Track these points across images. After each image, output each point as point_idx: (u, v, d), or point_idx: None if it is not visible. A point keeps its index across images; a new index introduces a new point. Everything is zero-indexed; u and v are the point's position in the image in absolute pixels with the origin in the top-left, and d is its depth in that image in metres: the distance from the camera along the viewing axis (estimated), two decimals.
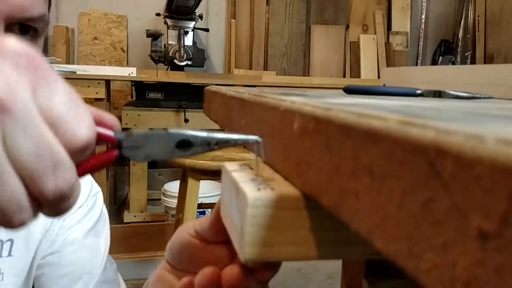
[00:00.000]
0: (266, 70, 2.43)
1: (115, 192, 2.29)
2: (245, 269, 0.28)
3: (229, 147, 0.29)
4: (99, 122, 0.24)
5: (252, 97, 0.36)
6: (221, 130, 0.29)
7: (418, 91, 0.46)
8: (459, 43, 2.27)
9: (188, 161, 1.29)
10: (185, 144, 0.27)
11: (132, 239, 1.80)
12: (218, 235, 0.33)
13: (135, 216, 1.98)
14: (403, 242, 0.14)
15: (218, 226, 0.32)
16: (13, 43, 0.20)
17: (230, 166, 0.30)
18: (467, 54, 2.15)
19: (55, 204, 0.21)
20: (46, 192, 0.20)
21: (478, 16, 2.17)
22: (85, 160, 0.24)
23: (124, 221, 1.98)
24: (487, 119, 0.18)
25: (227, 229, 0.30)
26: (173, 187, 1.92)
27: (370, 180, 0.16)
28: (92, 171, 0.24)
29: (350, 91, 0.48)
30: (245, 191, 0.24)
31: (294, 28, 2.46)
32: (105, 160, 0.25)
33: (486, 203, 0.10)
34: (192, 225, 0.35)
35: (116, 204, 2.27)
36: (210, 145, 0.27)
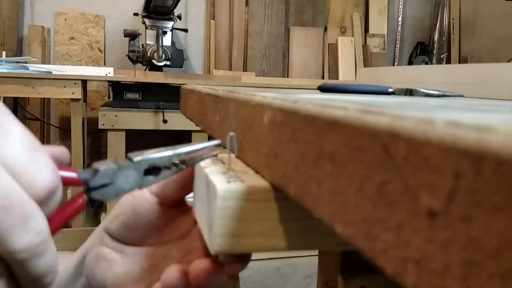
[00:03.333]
0: (246, 71, 2.43)
1: None
2: (214, 263, 0.27)
3: (197, 162, 0.28)
4: (57, 161, 0.22)
5: (226, 93, 0.36)
6: (184, 143, 0.28)
7: (390, 89, 0.47)
8: (435, 46, 2.33)
9: None
10: (153, 170, 0.26)
11: None
12: (183, 189, 0.31)
13: None
14: (360, 225, 0.14)
15: (185, 177, 0.30)
16: None
17: (202, 162, 0.30)
18: (442, 56, 2.21)
19: (27, 267, 0.19)
20: (17, 252, 0.18)
21: (453, 19, 2.23)
22: (52, 216, 0.21)
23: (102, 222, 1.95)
24: (444, 110, 0.19)
25: (198, 224, 0.30)
26: None
27: (331, 167, 0.16)
28: (63, 225, 0.22)
29: (324, 89, 0.49)
30: (214, 183, 0.24)
31: (273, 29, 2.48)
32: (74, 210, 0.23)
33: (434, 182, 0.11)
34: (146, 191, 0.32)
35: (93, 206, 2.22)
36: (177, 165, 0.27)
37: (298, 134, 0.20)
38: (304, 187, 0.19)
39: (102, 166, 0.24)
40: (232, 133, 0.28)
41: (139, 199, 0.31)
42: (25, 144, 0.19)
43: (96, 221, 2.02)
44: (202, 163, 0.30)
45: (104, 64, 2.39)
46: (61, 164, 0.22)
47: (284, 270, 1.77)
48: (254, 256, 0.32)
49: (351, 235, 0.15)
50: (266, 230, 0.24)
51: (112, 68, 1.89)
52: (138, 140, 1.69)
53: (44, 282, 0.19)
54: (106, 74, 1.86)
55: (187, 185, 0.32)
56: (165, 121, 1.81)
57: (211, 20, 2.42)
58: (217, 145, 0.28)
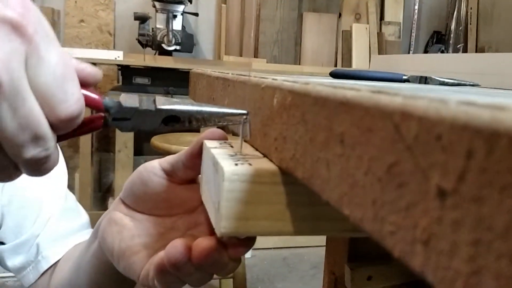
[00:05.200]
0: (257, 57, 2.41)
1: (99, 179, 2.27)
2: (217, 243, 0.27)
3: (217, 125, 0.28)
4: (84, 81, 0.24)
5: (235, 76, 0.35)
6: (210, 104, 0.28)
7: (404, 77, 0.46)
8: (451, 35, 2.28)
9: (174, 147, 1.29)
10: (172, 120, 0.26)
11: None
12: (191, 170, 0.32)
13: None
14: (368, 207, 0.14)
15: (193, 159, 0.31)
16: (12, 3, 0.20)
17: (210, 143, 0.30)
18: (459, 46, 2.16)
19: (32, 168, 0.22)
20: (23, 159, 0.21)
21: (471, 8, 2.18)
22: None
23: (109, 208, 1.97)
24: (458, 94, 0.18)
25: (205, 206, 0.30)
26: None
27: (341, 148, 0.16)
28: (75, 136, 0.25)
29: (336, 75, 0.48)
30: (222, 165, 0.24)
31: (286, 15, 2.45)
32: (89, 129, 0.25)
33: (445, 161, 0.11)
34: (157, 165, 0.32)
35: (101, 191, 2.25)
36: (198, 121, 0.27)
37: (308, 116, 0.19)
38: (312, 169, 0.19)
39: (127, 101, 0.25)
40: (246, 111, 0.28)
41: (149, 171, 0.32)
42: (56, 73, 0.21)
43: (103, 206, 2.05)
44: (209, 143, 0.30)
45: (114, 47, 2.39)
46: (88, 85, 0.24)
47: (290, 259, 1.78)
48: (260, 244, 0.32)
49: (359, 217, 0.15)
50: (273, 213, 0.24)
51: (121, 52, 1.89)
52: None
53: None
54: (116, 58, 1.86)
55: (195, 166, 0.32)
56: None
57: (222, 4, 2.40)
58: (242, 114, 0.28)
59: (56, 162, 0.23)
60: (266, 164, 0.24)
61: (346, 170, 0.16)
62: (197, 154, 0.31)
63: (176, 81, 1.80)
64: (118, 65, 1.94)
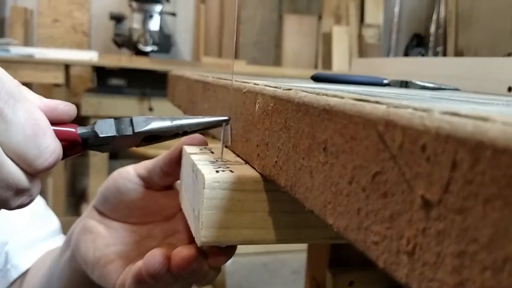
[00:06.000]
0: (236, 59, 2.40)
1: (73, 184, 2.22)
2: (197, 252, 0.27)
3: (198, 132, 0.28)
4: (59, 120, 0.24)
5: (216, 80, 0.35)
6: (189, 115, 0.28)
7: (385, 81, 0.47)
8: (431, 38, 2.32)
9: (152, 152, 1.27)
10: (152, 138, 0.26)
11: None
12: (169, 176, 0.31)
13: None
14: (353, 216, 0.14)
15: (171, 165, 0.31)
16: None
17: (189, 149, 0.29)
18: (438, 49, 2.20)
19: (19, 208, 0.24)
20: (11, 208, 0.23)
21: (450, 12, 2.22)
22: None
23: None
24: (441, 101, 0.18)
25: (185, 214, 0.30)
26: None
27: (324, 156, 0.16)
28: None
29: (318, 79, 0.48)
30: (202, 172, 0.23)
31: (266, 16, 2.45)
32: (70, 154, 0.25)
33: (429, 172, 0.10)
34: (132, 171, 0.32)
35: (75, 196, 2.20)
36: (178, 134, 0.27)
37: (291, 122, 0.19)
38: (296, 177, 0.19)
39: (103, 129, 0.25)
40: (227, 117, 0.27)
41: (124, 178, 0.31)
42: (27, 132, 0.22)
43: (77, 211, 2.00)
44: (189, 149, 0.29)
45: (89, 48, 2.34)
46: (64, 122, 0.24)
47: (272, 265, 1.78)
48: (242, 251, 0.32)
49: (343, 227, 0.15)
50: (255, 222, 0.24)
51: (96, 53, 1.85)
52: None
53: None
54: (90, 59, 1.82)
55: (173, 172, 0.31)
56: (150, 109, 1.79)
57: (201, 4, 2.39)
58: (222, 123, 0.28)
59: (38, 192, 0.24)
60: (248, 171, 0.24)
61: (330, 179, 0.15)
62: (176, 160, 0.31)
63: (153, 83, 1.78)
64: (93, 66, 1.90)
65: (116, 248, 0.31)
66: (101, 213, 0.32)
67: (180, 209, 0.33)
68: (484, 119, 0.09)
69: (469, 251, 0.09)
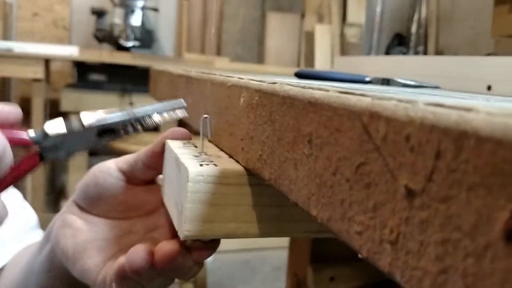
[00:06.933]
0: (219, 55, 2.39)
1: (52, 181, 2.18)
2: (181, 247, 0.26)
3: (160, 123, 0.28)
4: (5, 123, 0.23)
5: (200, 75, 0.35)
6: (142, 104, 0.27)
7: (367, 78, 0.47)
8: (412, 38, 2.35)
9: (134, 147, 1.25)
10: (106, 132, 0.26)
11: None
12: (152, 170, 0.31)
13: None
14: (336, 207, 0.14)
15: (154, 158, 0.30)
16: None
17: (173, 143, 0.29)
18: (419, 48, 2.24)
19: None
20: None
21: (431, 11, 2.25)
22: (6, 173, 0.23)
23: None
24: (423, 96, 0.19)
25: (167, 207, 0.30)
26: None
27: (308, 149, 0.16)
28: (15, 182, 0.24)
29: (301, 75, 0.48)
30: (186, 166, 0.23)
31: (249, 13, 2.45)
32: (28, 168, 0.24)
33: (413, 162, 0.11)
34: (113, 165, 0.31)
35: (54, 193, 2.16)
36: (135, 125, 0.26)
37: (276, 116, 0.19)
38: (280, 170, 0.19)
39: (52, 128, 0.24)
40: (205, 115, 0.27)
41: (104, 172, 0.31)
42: None
43: (56, 208, 1.97)
44: (172, 144, 0.29)
45: (69, 43, 2.30)
46: (11, 125, 0.23)
47: (253, 262, 1.78)
48: (223, 248, 0.32)
49: (326, 218, 0.15)
50: (238, 215, 0.24)
51: (77, 48, 1.82)
52: None
53: None
54: (71, 54, 1.78)
55: (156, 166, 0.31)
56: (131, 104, 1.77)
57: (184, 1, 2.37)
58: (180, 107, 0.27)
59: (3, 211, 0.23)
60: (232, 165, 0.24)
61: (314, 171, 0.16)
62: (159, 153, 0.30)
63: (135, 78, 1.76)
64: (73, 61, 1.86)
65: (97, 243, 0.30)
66: (81, 208, 0.32)
67: (162, 204, 0.33)
68: (468, 109, 0.10)
69: (452, 238, 0.09)
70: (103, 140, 0.26)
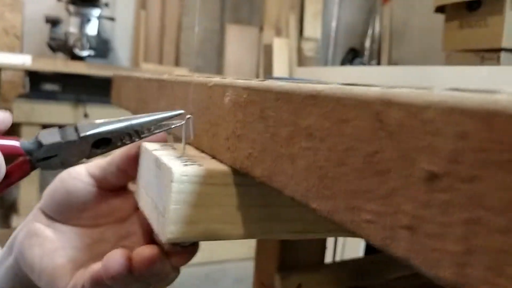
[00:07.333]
0: (178, 66, 2.37)
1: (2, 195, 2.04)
2: (159, 252, 0.26)
3: (154, 134, 0.27)
4: None
5: (175, 77, 0.34)
6: (141, 114, 0.27)
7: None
8: (366, 52, 2.45)
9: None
10: (103, 143, 0.25)
11: None
12: (125, 175, 0.29)
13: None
14: (340, 198, 0.14)
15: (129, 162, 0.29)
16: None
17: (150, 145, 0.28)
18: (372, 62, 2.33)
19: None
20: None
21: (384, 27, 2.36)
22: None
23: (13, 226, 1.78)
24: None
25: (143, 212, 0.28)
26: None
27: (308, 142, 0.16)
28: (3, 190, 0.23)
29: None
30: (169, 166, 0.22)
31: (209, 25, 2.45)
32: (17, 178, 0.23)
33: (434, 146, 0.11)
34: (84, 171, 0.29)
35: (3, 208, 2.03)
36: (132, 135, 0.25)
37: (269, 112, 0.19)
38: (274, 166, 0.18)
39: (47, 138, 0.23)
40: (188, 116, 0.26)
41: (74, 178, 0.29)
42: None
43: (6, 223, 1.84)
44: (149, 146, 0.28)
45: (21, 52, 2.19)
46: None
47: (213, 275, 1.75)
48: None
49: (329, 209, 0.15)
50: (223, 216, 0.23)
51: (29, 56, 1.73)
52: None
53: None
54: (23, 63, 1.70)
55: (131, 171, 0.30)
56: (86, 115, 1.71)
57: (141, 10, 2.33)
58: (178, 115, 0.26)
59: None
60: (216, 165, 0.24)
61: (314, 163, 0.15)
62: (134, 157, 0.29)
63: (89, 88, 1.70)
64: (25, 70, 1.77)
65: (66, 252, 0.29)
66: (48, 216, 0.30)
67: (134, 211, 0.31)
68: (491, 92, 0.10)
69: (479, 217, 0.10)
70: (98, 151, 0.24)
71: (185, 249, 0.26)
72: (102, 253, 0.30)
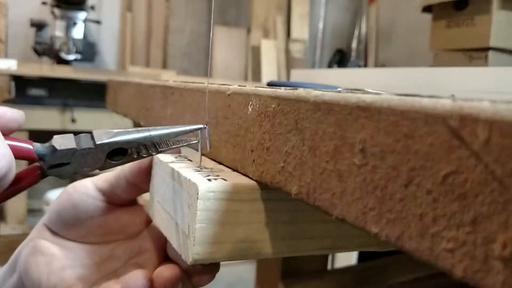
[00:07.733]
0: (165, 69, 2.34)
1: None
2: (181, 272, 0.24)
3: (172, 148, 0.25)
4: (7, 129, 0.22)
5: (182, 84, 0.32)
6: (160, 126, 0.25)
7: (339, 89, 0.47)
8: (353, 53, 2.46)
9: None
10: (118, 153, 0.23)
11: (10, 253, 1.57)
12: (136, 188, 0.28)
13: (13, 228, 1.74)
14: (410, 223, 0.13)
15: (140, 175, 0.27)
16: None
17: (163, 157, 0.26)
18: (360, 64, 2.34)
19: None
20: None
21: (371, 28, 2.38)
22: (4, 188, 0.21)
23: (1, 233, 1.73)
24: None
25: (159, 228, 0.27)
26: (56, 195, 1.73)
27: (361, 158, 0.15)
28: (12, 197, 0.22)
29: (274, 86, 0.47)
30: (194, 181, 0.21)
31: (196, 27, 2.42)
32: (26, 184, 0.22)
33: None
34: (91, 185, 0.28)
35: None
36: (149, 148, 0.24)
37: (304, 123, 0.18)
38: (315, 183, 0.17)
39: (61, 144, 0.22)
40: (203, 125, 0.25)
41: (81, 193, 0.28)
42: None
43: None
44: (163, 158, 0.26)
45: (6, 56, 2.14)
46: (12, 131, 0.22)
47: None
48: None
49: (395, 235, 0.13)
50: (250, 234, 0.22)
51: (15, 61, 1.69)
52: (43, 142, 1.52)
53: None
54: (8, 68, 1.66)
55: (142, 185, 0.28)
56: (73, 121, 1.67)
57: (127, 13, 2.30)
58: (199, 129, 0.25)
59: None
60: (242, 179, 0.22)
61: (372, 182, 0.14)
62: (146, 170, 0.27)
63: (76, 93, 1.66)
64: (11, 75, 1.73)
65: (75, 271, 0.27)
66: (54, 232, 0.28)
67: (146, 226, 0.30)
68: None
69: None
70: (113, 161, 0.23)
71: (205, 268, 0.25)
72: (113, 272, 0.28)
